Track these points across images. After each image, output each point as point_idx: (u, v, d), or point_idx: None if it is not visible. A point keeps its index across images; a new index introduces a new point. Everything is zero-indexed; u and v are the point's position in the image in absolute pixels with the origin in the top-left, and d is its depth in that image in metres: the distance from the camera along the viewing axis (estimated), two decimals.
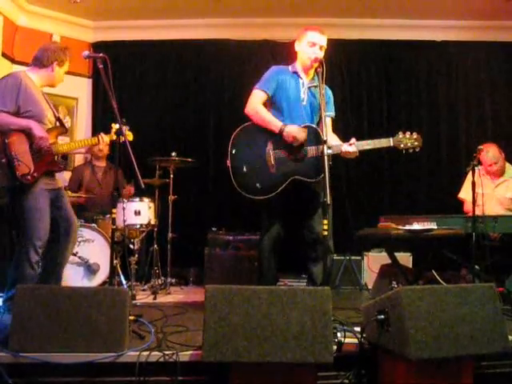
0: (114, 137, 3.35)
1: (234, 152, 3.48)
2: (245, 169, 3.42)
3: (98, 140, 3.43)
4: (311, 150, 3.31)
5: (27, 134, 3.12)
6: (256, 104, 3.48)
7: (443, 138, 5.66)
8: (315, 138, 3.31)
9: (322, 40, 3.46)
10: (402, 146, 3.32)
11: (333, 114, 3.65)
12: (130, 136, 3.53)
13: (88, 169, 5.14)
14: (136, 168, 3.02)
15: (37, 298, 2.41)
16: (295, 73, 3.55)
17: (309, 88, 3.53)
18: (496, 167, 4.55)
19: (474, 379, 2.35)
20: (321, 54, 3.42)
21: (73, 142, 3.47)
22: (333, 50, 5.64)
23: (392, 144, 3.33)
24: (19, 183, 3.06)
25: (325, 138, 2.98)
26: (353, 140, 3.34)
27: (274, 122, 3.38)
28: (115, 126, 3.38)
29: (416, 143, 3.33)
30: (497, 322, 2.34)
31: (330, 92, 3.63)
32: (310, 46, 3.44)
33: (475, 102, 5.67)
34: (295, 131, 3.30)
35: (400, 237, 3.72)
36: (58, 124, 3.39)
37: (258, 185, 3.37)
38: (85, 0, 5.27)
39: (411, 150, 3.33)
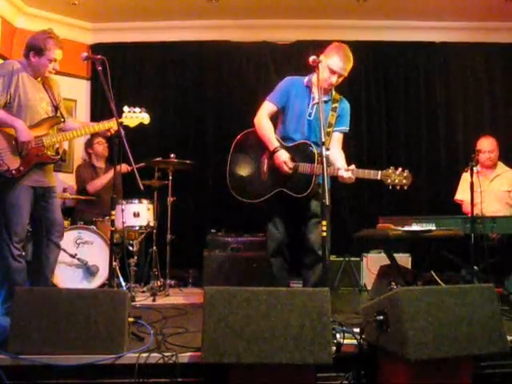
0: (125, 121, 3.30)
1: (233, 155, 3.61)
2: (240, 172, 3.56)
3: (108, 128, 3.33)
4: (303, 167, 3.37)
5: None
6: (262, 117, 3.55)
7: (441, 140, 5.67)
8: (309, 156, 3.37)
9: (344, 70, 3.42)
10: (389, 181, 3.19)
11: (344, 128, 3.60)
12: (145, 119, 3.52)
13: (90, 170, 5.13)
14: (135, 169, 3.04)
15: (36, 300, 2.41)
16: (308, 87, 3.56)
17: (318, 104, 3.40)
18: (490, 155, 4.56)
19: (472, 379, 2.36)
20: (337, 82, 3.44)
21: (70, 132, 3.34)
22: None
23: (379, 178, 3.22)
24: (3, 178, 3.04)
25: (323, 140, 2.97)
26: (352, 166, 3.30)
27: (271, 141, 3.46)
28: (126, 111, 3.40)
29: (404, 181, 3.19)
30: (495, 323, 2.34)
31: (346, 106, 3.61)
32: (330, 72, 3.41)
33: (473, 103, 5.67)
34: (282, 160, 3.37)
35: (399, 238, 3.73)
36: (54, 114, 3.33)
37: (247, 189, 3.52)
38: (83, 2, 5.28)
39: (398, 187, 3.19)
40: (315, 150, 3.37)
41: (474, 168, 3.86)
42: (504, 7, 5.20)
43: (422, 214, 4.40)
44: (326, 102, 3.45)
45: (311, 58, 3.09)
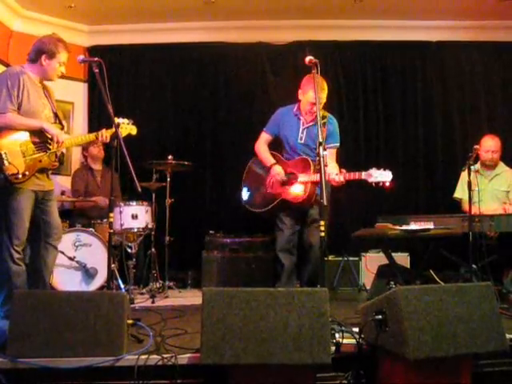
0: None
1: (245, 176, 4.38)
2: (250, 188, 4.31)
3: (97, 137, 3.33)
4: (302, 176, 3.87)
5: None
6: (259, 144, 4.24)
7: (439, 138, 5.66)
8: (306, 167, 3.90)
9: (320, 99, 3.67)
10: (372, 179, 3.51)
11: (335, 145, 4.05)
12: (133, 130, 3.53)
13: (88, 173, 5.13)
14: (133, 171, 3.03)
15: (35, 303, 2.41)
16: (296, 115, 4.06)
17: (308, 127, 4.01)
18: (493, 155, 4.58)
19: (471, 378, 2.36)
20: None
21: (69, 139, 3.36)
22: (328, 51, 5.69)
23: (363, 177, 3.56)
24: (9, 183, 3.04)
25: (320, 140, 3.01)
26: (343, 171, 3.64)
27: (268, 159, 4.15)
28: (118, 120, 3.38)
29: (385, 178, 3.51)
30: (494, 321, 2.35)
31: (334, 122, 4.05)
32: (311, 104, 3.87)
33: (470, 102, 5.67)
34: (276, 172, 4.03)
35: (397, 237, 3.74)
36: (55, 121, 3.34)
37: (255, 201, 4.22)
38: (80, 5, 5.27)
39: (381, 184, 3.50)
40: (310, 161, 3.87)
41: (472, 167, 3.87)
42: (500, 6, 5.20)
43: (419, 213, 4.40)
44: (315, 124, 3.76)
45: (307, 58, 3.15)
